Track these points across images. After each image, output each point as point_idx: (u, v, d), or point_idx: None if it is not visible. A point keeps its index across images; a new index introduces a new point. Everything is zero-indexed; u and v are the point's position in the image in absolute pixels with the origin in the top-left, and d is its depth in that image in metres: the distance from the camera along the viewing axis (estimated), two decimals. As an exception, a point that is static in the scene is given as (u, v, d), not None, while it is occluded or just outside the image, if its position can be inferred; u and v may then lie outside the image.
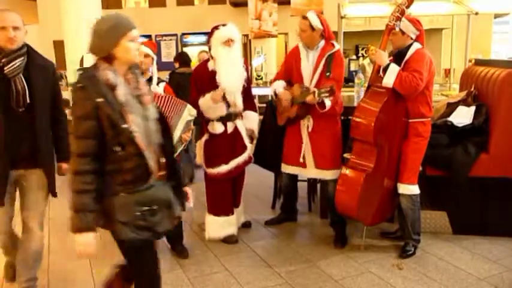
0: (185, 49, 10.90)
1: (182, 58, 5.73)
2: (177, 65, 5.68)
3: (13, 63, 2.39)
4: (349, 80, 7.52)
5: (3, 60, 2.38)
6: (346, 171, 3.19)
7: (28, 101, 2.44)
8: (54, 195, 2.71)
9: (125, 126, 1.80)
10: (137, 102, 1.90)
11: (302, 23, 3.35)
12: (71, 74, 6.80)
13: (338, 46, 3.41)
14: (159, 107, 3.04)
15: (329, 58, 3.32)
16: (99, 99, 1.78)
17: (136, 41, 1.90)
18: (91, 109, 1.79)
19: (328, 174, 3.48)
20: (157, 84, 3.25)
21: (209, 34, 3.45)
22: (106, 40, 1.84)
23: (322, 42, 3.37)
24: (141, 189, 1.88)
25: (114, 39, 1.84)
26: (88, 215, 1.81)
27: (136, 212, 1.86)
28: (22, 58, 2.44)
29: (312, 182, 4.29)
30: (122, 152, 1.83)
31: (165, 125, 2.08)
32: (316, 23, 3.30)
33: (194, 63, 6.44)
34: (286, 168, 3.64)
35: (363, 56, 10.57)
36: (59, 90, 2.72)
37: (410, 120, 3.15)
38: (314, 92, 3.14)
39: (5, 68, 2.39)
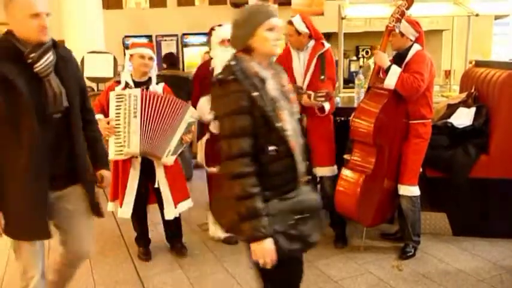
0: (186, 49, 10.88)
1: (170, 59, 5.60)
2: (165, 66, 5.54)
3: (45, 58, 1.92)
4: (349, 81, 7.52)
5: (32, 56, 1.89)
6: (346, 172, 3.19)
7: (65, 104, 2.01)
8: (101, 214, 2.26)
9: (278, 124, 1.66)
10: (285, 99, 1.76)
11: (288, 28, 3.39)
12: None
13: (328, 45, 3.43)
14: (161, 107, 3.07)
15: (321, 58, 3.34)
16: (255, 93, 1.62)
17: (277, 30, 1.73)
18: (246, 103, 1.61)
19: (322, 171, 3.49)
20: (156, 84, 3.25)
21: (208, 35, 3.51)
22: (243, 30, 1.71)
23: (312, 42, 3.40)
24: (292, 195, 1.73)
25: (251, 29, 1.69)
26: (262, 220, 1.62)
27: (291, 220, 1.70)
28: (52, 51, 1.98)
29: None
30: (273, 153, 1.66)
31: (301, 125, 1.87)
32: (301, 27, 3.33)
33: (196, 63, 6.44)
34: None
35: (363, 56, 10.60)
36: (85, 86, 2.29)
37: (410, 122, 3.15)
38: (310, 95, 3.17)
39: (36, 66, 1.90)
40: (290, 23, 3.38)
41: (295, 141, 1.73)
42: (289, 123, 1.71)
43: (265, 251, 1.64)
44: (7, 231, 2.02)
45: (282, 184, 1.71)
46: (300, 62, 3.42)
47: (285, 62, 3.50)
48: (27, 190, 1.95)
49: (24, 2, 1.87)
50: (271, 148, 1.66)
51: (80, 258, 2.31)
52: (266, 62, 1.76)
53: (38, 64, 1.91)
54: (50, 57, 1.95)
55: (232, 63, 1.69)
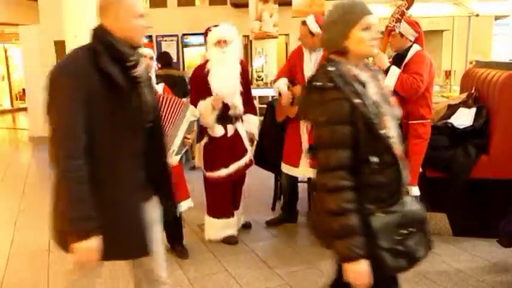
0: (186, 50, 10.88)
1: (165, 59, 5.53)
2: (159, 65, 5.43)
3: (142, 62, 1.79)
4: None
5: (134, 58, 1.72)
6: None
7: (155, 112, 1.87)
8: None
9: (382, 132, 1.51)
10: (386, 102, 1.60)
11: (301, 28, 3.38)
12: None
13: None
14: (162, 106, 3.06)
15: None
16: (357, 100, 1.48)
17: (373, 29, 1.57)
18: (347, 112, 1.48)
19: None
20: (156, 84, 3.25)
21: (204, 36, 3.47)
22: (335, 31, 1.57)
23: None
24: (398, 208, 1.58)
25: (344, 30, 1.55)
26: (357, 238, 1.48)
27: (397, 235, 1.55)
28: (142, 55, 1.83)
29: (312, 182, 4.28)
30: (377, 163, 1.52)
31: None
32: (314, 28, 3.31)
33: (196, 64, 6.44)
34: (286, 168, 3.65)
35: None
36: None
37: (410, 122, 3.16)
38: None
39: (136, 70, 1.73)
40: (304, 23, 3.37)
41: (399, 149, 1.59)
42: (392, 129, 1.57)
43: (359, 273, 1.49)
44: (106, 254, 1.70)
45: (387, 196, 1.57)
46: (311, 62, 3.41)
47: (297, 61, 3.50)
48: (130, 203, 1.76)
49: (130, 3, 1.74)
50: (374, 159, 1.52)
51: (158, 283, 2.00)
52: (362, 64, 1.63)
53: (138, 68, 1.74)
54: (144, 61, 1.83)
55: (331, 69, 1.55)
